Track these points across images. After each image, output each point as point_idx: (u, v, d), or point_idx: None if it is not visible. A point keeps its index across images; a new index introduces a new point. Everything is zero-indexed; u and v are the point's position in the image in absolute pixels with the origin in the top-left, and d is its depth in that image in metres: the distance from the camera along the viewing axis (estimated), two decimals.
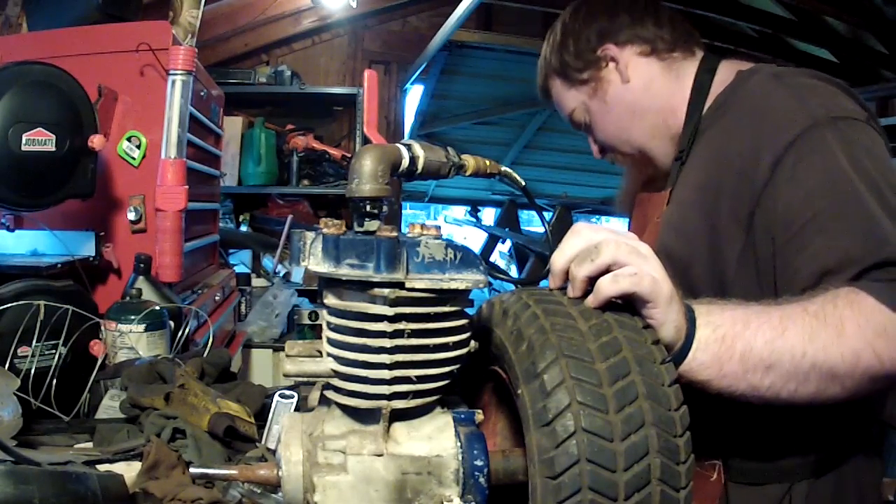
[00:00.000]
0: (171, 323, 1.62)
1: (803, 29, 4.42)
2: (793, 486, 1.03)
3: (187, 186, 1.94)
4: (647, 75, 1.16)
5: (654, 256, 0.82)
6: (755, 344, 0.83)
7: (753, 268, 1.00)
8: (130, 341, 1.49)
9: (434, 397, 0.79)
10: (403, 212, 6.09)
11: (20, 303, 1.39)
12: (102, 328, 1.51)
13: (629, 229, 1.37)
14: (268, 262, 4.13)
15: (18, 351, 1.38)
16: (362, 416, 0.79)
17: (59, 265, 1.65)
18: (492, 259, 6.80)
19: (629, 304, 0.80)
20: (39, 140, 1.57)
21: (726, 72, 1.13)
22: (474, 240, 7.06)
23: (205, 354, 1.45)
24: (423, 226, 0.77)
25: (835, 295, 0.86)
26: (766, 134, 0.98)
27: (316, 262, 0.76)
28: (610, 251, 0.79)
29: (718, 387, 0.85)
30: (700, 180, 1.07)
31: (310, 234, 0.79)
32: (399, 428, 0.78)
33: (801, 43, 4.63)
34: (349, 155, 4.52)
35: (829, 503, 1.04)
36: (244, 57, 4.77)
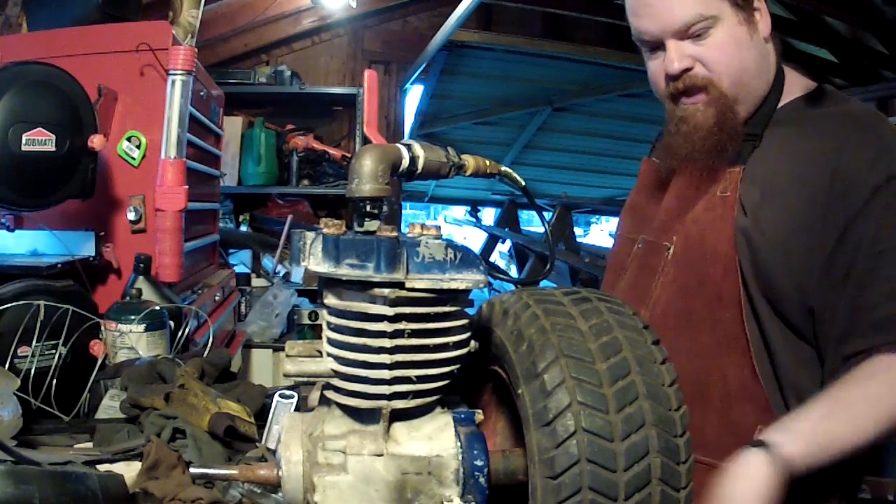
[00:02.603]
0: (171, 323, 1.62)
1: (803, 29, 4.42)
2: None
3: (187, 186, 1.94)
4: (773, 44, 1.19)
5: None
6: (841, 445, 0.97)
7: (839, 275, 1.06)
8: (130, 341, 1.49)
9: (434, 397, 0.79)
10: (403, 212, 6.09)
11: (20, 303, 1.39)
12: (102, 328, 1.51)
13: (657, 196, 1.31)
14: (268, 262, 4.13)
15: (18, 351, 1.38)
16: (362, 416, 0.79)
17: (59, 265, 1.65)
18: (492, 259, 6.80)
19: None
20: (39, 140, 1.57)
21: (792, 76, 1.20)
22: (474, 240, 7.07)
23: (205, 354, 1.45)
24: (423, 226, 0.77)
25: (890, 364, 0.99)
26: (873, 158, 1.05)
27: (316, 262, 0.76)
28: None
29: None
30: (799, 179, 1.09)
31: (310, 234, 0.79)
32: (399, 428, 0.78)
33: (802, 43, 4.63)
34: (349, 155, 4.52)
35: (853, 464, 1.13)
36: (244, 57, 4.77)
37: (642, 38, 1.18)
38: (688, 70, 1.14)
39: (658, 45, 1.16)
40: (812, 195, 1.07)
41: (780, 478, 0.93)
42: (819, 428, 0.97)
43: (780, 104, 1.18)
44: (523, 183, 1.09)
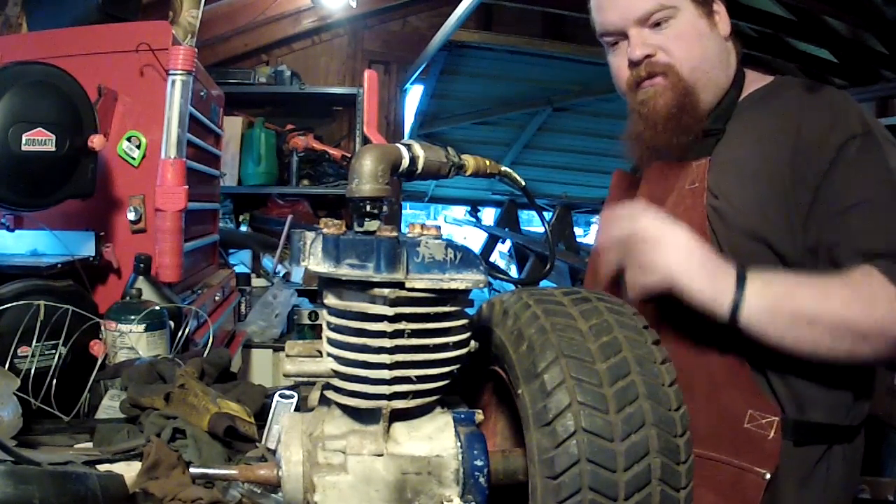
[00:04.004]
0: (171, 323, 1.62)
1: (803, 29, 4.42)
2: (832, 447, 1.14)
3: (187, 186, 1.94)
4: (733, 45, 1.23)
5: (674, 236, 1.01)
6: (803, 302, 1.01)
7: (814, 238, 1.10)
8: (130, 341, 1.49)
9: (434, 397, 0.79)
10: (403, 212, 6.08)
11: (20, 303, 1.39)
12: (102, 328, 1.51)
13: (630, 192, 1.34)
14: (268, 262, 4.13)
15: (18, 351, 1.38)
16: (362, 416, 0.79)
17: (59, 265, 1.65)
18: (492, 259, 6.80)
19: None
20: (39, 140, 1.57)
21: (752, 75, 1.25)
22: (474, 240, 7.06)
23: (205, 354, 1.45)
24: (423, 226, 0.77)
25: (869, 273, 1.01)
26: (832, 121, 1.10)
27: (316, 262, 0.76)
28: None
29: (771, 336, 1.03)
30: (764, 154, 1.13)
31: (310, 234, 0.79)
32: (399, 428, 0.78)
33: (801, 43, 4.63)
34: (349, 155, 4.52)
35: (852, 469, 1.17)
36: (244, 57, 4.77)
37: (606, 31, 1.23)
38: (649, 56, 1.18)
39: (621, 37, 1.21)
40: (779, 168, 1.11)
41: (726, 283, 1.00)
42: (786, 282, 1.03)
43: (740, 100, 1.22)
44: (523, 183, 1.09)
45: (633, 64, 1.20)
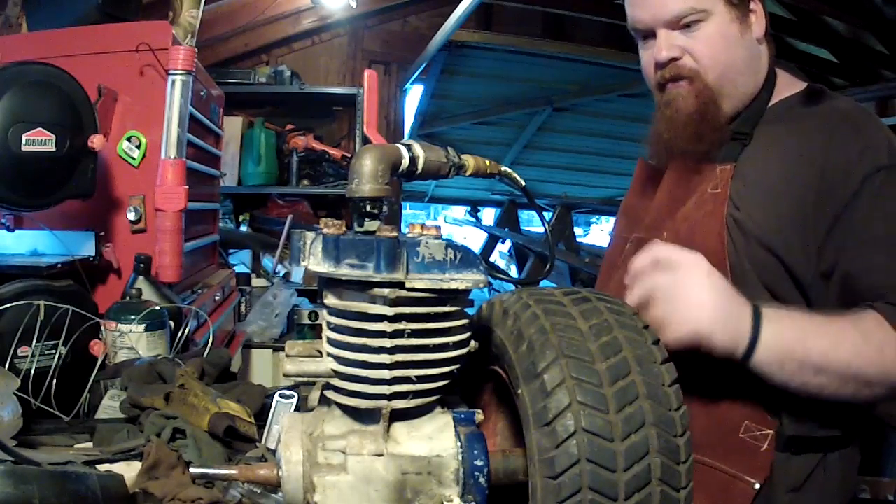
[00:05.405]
0: (171, 323, 1.62)
1: (803, 29, 4.42)
2: (827, 455, 1.14)
3: (187, 186, 1.94)
4: (766, 46, 1.22)
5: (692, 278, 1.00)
6: (813, 351, 1.01)
7: (830, 265, 1.09)
8: (130, 341, 1.49)
9: (434, 397, 0.79)
10: (403, 212, 6.09)
11: (20, 303, 1.39)
12: (102, 328, 1.51)
13: (648, 195, 1.33)
14: (268, 262, 4.13)
15: (18, 351, 1.38)
16: (362, 416, 0.79)
17: (59, 265, 1.65)
18: (492, 259, 6.80)
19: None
20: (39, 140, 1.57)
21: (784, 77, 1.24)
22: (474, 240, 7.07)
23: (205, 354, 1.45)
24: (423, 226, 0.77)
25: (880, 321, 1.03)
26: (861, 150, 1.09)
27: (316, 262, 0.76)
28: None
29: (778, 380, 1.03)
30: (790, 174, 1.12)
31: (310, 234, 0.79)
32: (399, 428, 0.78)
33: (801, 43, 4.63)
34: (349, 155, 4.52)
35: (849, 471, 1.18)
36: (244, 57, 4.77)
37: (636, 27, 1.22)
38: (675, 59, 1.17)
39: (650, 35, 1.20)
40: (803, 190, 1.10)
41: (742, 324, 1.00)
42: (799, 328, 1.02)
43: (771, 104, 1.20)
44: (523, 183, 1.09)
45: (660, 65, 1.19)
